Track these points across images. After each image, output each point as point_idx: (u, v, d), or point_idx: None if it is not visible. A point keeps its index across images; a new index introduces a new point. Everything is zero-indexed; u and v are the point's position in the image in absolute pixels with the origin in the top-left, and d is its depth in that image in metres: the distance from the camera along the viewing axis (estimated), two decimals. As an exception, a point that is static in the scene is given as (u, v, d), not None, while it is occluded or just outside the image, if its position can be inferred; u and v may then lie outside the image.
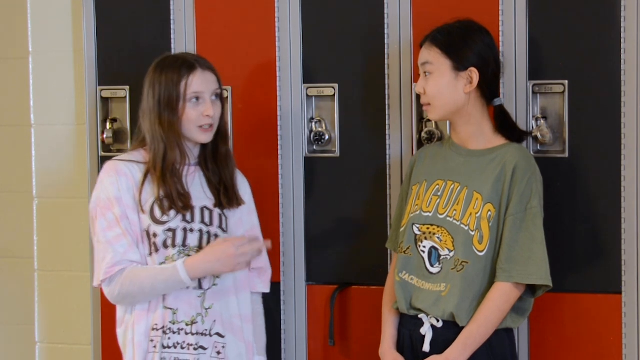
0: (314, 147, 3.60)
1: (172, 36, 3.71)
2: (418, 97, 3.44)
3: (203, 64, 3.18)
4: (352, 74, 3.55)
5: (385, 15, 3.48)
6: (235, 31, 3.66)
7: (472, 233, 3.08)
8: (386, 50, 3.48)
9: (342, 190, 3.58)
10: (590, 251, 3.32)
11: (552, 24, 3.33)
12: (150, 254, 3.14)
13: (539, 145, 3.33)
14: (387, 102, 3.49)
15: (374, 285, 3.51)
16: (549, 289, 3.10)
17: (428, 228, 3.15)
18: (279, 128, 3.61)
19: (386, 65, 3.49)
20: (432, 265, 3.13)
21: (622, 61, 3.25)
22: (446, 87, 3.13)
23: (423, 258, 3.15)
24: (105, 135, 3.78)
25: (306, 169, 3.61)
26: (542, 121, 3.34)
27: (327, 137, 3.58)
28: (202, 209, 3.19)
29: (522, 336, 3.33)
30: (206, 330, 3.15)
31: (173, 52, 3.70)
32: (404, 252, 3.18)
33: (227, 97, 3.66)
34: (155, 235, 3.13)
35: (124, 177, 3.14)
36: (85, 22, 3.82)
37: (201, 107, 3.15)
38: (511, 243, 3.06)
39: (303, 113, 3.60)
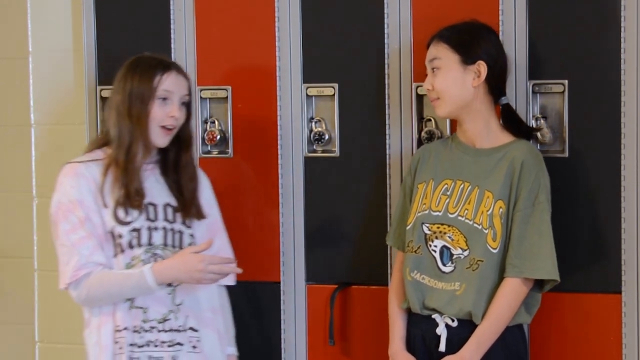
0: (314, 147, 3.60)
1: (172, 36, 3.71)
2: (418, 96, 3.45)
3: (179, 68, 3.22)
4: (352, 74, 3.54)
5: (385, 15, 3.48)
6: (235, 31, 3.66)
7: (486, 231, 3.09)
8: (386, 50, 3.48)
9: (342, 190, 3.58)
10: (590, 251, 3.32)
11: (552, 24, 3.33)
12: (116, 255, 3.13)
13: (539, 145, 3.33)
14: (387, 102, 3.49)
15: (374, 285, 3.51)
16: (555, 285, 3.11)
17: (438, 227, 3.15)
18: (278, 128, 3.61)
19: (386, 65, 3.49)
20: (444, 265, 3.13)
21: (622, 61, 3.25)
22: (454, 81, 3.13)
23: (434, 257, 3.15)
24: (105, 135, 3.78)
25: (306, 169, 3.61)
26: (542, 121, 3.34)
27: (327, 137, 3.58)
28: (164, 206, 3.20)
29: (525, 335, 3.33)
30: (180, 326, 3.16)
31: (173, 52, 3.70)
32: (415, 251, 3.18)
33: (227, 97, 3.66)
34: (120, 236, 3.12)
35: (84, 180, 3.13)
36: (85, 22, 3.82)
37: (168, 108, 3.16)
38: (520, 238, 3.07)
39: (303, 113, 3.60)
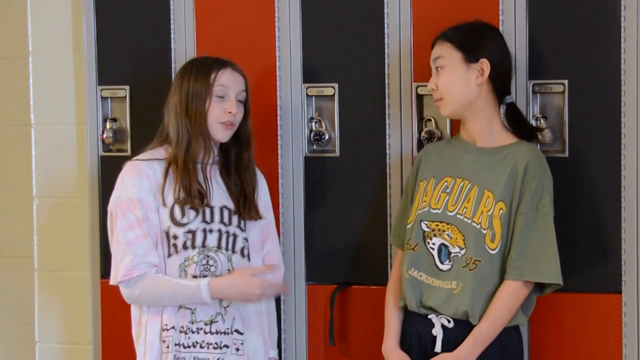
0: (314, 147, 3.60)
1: (172, 36, 3.71)
2: (418, 96, 3.45)
3: (234, 65, 3.26)
4: (352, 74, 3.54)
5: (385, 15, 3.48)
6: (235, 31, 3.66)
7: (484, 231, 3.09)
8: (386, 50, 3.48)
9: (342, 190, 3.58)
10: (591, 251, 3.32)
11: (552, 24, 3.33)
12: (170, 255, 3.15)
13: (538, 145, 3.33)
14: (387, 102, 3.49)
15: (374, 285, 3.51)
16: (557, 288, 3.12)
17: (437, 225, 3.15)
18: (279, 127, 3.61)
19: (386, 65, 3.49)
20: (442, 263, 3.13)
21: (622, 61, 3.25)
22: (458, 80, 3.13)
23: (432, 255, 3.15)
24: (105, 135, 3.78)
25: (306, 169, 3.61)
26: (542, 121, 3.34)
27: (327, 136, 3.58)
28: (221, 209, 3.21)
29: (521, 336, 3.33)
30: (227, 328, 3.17)
31: (173, 52, 3.70)
32: (412, 248, 3.18)
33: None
34: (175, 237, 3.14)
35: (146, 178, 3.16)
36: (85, 22, 3.82)
37: (225, 104, 3.20)
38: (523, 241, 3.07)
39: (303, 112, 3.60)
